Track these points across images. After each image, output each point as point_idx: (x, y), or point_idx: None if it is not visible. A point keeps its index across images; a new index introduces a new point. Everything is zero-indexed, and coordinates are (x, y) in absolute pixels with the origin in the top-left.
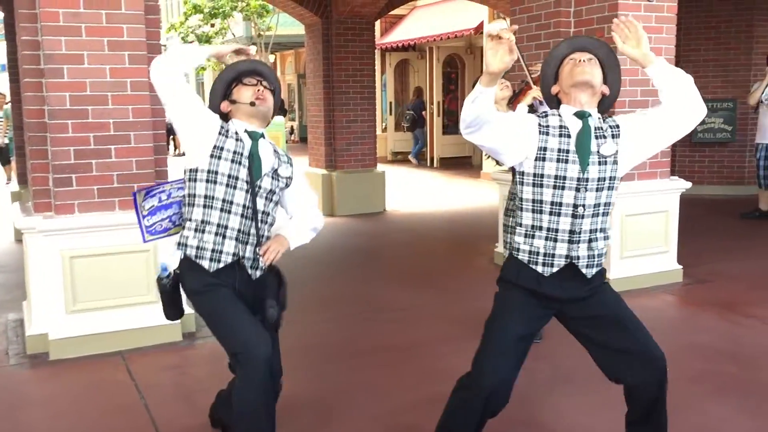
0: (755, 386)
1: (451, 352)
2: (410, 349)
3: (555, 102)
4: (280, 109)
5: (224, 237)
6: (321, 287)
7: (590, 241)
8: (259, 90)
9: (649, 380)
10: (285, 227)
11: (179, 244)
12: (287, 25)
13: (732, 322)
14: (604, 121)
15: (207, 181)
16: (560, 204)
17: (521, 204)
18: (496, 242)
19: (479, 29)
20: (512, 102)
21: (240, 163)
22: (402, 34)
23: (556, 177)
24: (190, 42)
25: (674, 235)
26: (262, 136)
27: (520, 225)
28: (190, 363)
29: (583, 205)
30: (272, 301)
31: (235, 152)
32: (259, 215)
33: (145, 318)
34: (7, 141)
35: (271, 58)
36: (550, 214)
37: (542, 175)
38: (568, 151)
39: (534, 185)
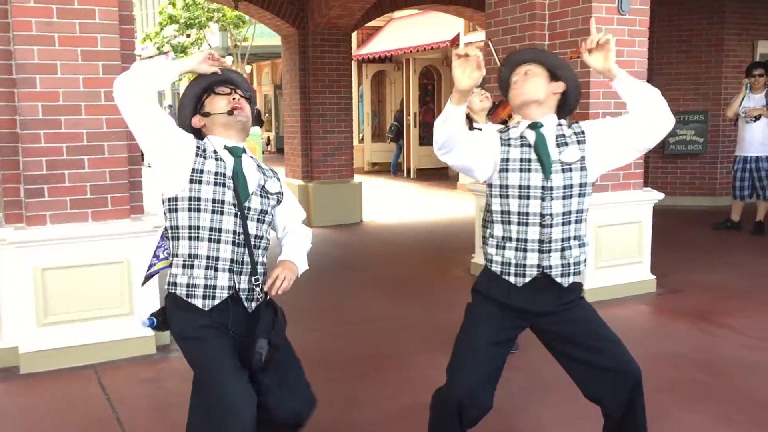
0: (727, 394)
1: (428, 362)
2: (388, 359)
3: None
4: (256, 119)
5: (216, 270)
6: (297, 299)
7: (563, 249)
8: (234, 98)
9: (624, 396)
10: (287, 251)
11: (168, 283)
12: (264, 35)
13: (704, 331)
14: (569, 126)
15: (190, 209)
16: (527, 214)
17: (491, 216)
18: (472, 253)
19: (455, 41)
20: (491, 113)
21: (224, 185)
22: (378, 45)
23: (520, 187)
24: (166, 52)
25: (648, 245)
26: (244, 151)
27: (492, 236)
28: (164, 376)
29: (551, 214)
30: (262, 342)
31: (217, 173)
32: (252, 240)
33: (118, 330)
34: None
35: (248, 68)
36: (518, 224)
37: (507, 186)
38: (530, 160)
39: (501, 196)
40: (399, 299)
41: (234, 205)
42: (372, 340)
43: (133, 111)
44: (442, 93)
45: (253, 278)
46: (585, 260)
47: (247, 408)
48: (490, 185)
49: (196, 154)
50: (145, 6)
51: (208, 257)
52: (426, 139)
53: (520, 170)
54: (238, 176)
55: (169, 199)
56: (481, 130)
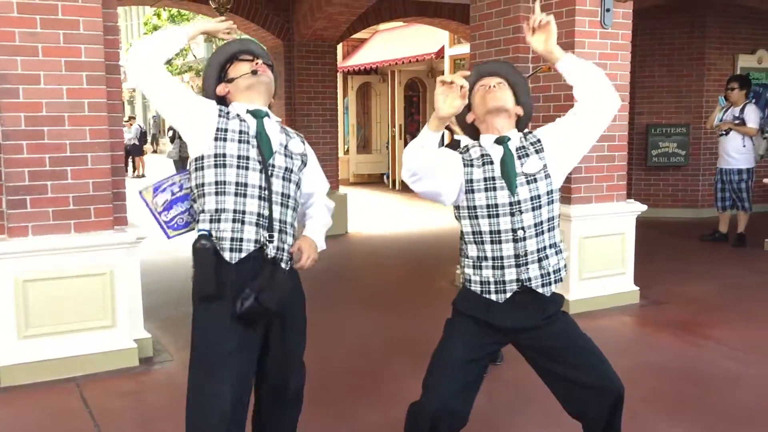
0: (710, 406)
1: (411, 375)
2: (371, 372)
3: (471, 130)
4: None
5: (243, 223)
6: None
7: (539, 260)
8: (257, 63)
9: (605, 413)
10: (310, 226)
11: (195, 241)
12: None
13: (687, 342)
14: (525, 138)
15: (215, 166)
16: (498, 231)
17: (464, 237)
18: (457, 264)
19: (440, 54)
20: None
21: (248, 142)
22: (364, 57)
23: (488, 206)
24: None
25: (631, 257)
26: (267, 115)
27: (467, 257)
28: (146, 389)
29: (522, 228)
30: (248, 292)
31: (241, 132)
32: (279, 198)
33: (101, 343)
34: None
35: None
36: (491, 242)
37: (475, 207)
38: (494, 179)
39: (470, 217)
40: (383, 311)
41: (259, 161)
42: (355, 352)
43: (149, 81)
44: (427, 105)
45: (267, 233)
46: (564, 266)
47: (227, 391)
48: (457, 207)
49: (219, 115)
50: (130, 17)
51: (234, 210)
52: None
53: (485, 189)
54: (261, 136)
55: (196, 159)
56: (459, 141)
